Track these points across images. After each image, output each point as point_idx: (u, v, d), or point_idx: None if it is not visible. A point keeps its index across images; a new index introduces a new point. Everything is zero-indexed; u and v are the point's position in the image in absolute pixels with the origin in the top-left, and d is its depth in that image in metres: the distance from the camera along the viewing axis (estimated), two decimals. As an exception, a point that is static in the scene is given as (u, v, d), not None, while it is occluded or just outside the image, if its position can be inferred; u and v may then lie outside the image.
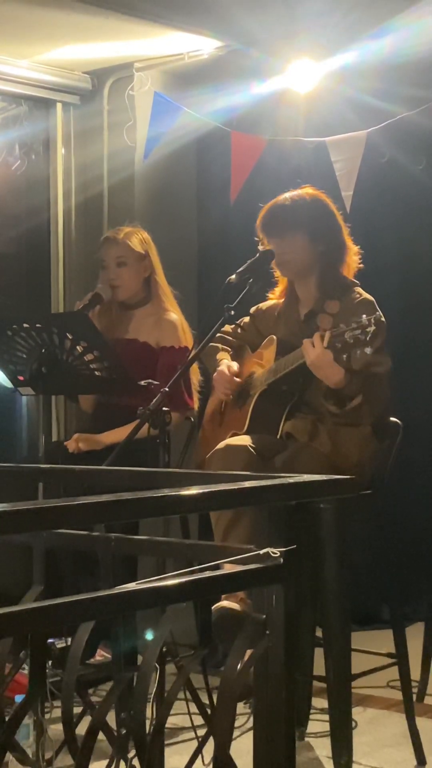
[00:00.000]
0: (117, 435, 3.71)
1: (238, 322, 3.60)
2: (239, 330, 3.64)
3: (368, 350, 3.00)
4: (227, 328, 3.61)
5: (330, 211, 3.43)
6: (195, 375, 3.95)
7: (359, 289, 3.37)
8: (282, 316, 3.49)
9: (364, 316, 3.01)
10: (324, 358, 3.08)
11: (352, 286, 3.38)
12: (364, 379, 3.15)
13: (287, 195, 3.43)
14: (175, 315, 3.99)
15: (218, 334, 3.51)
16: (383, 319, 3.10)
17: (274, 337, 3.44)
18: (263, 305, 3.59)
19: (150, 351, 3.93)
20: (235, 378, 3.47)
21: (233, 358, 3.59)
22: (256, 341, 3.55)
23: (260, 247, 3.43)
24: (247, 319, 3.61)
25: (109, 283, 4.00)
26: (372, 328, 2.98)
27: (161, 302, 4.02)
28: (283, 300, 3.52)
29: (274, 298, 3.57)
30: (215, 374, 3.52)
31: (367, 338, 2.98)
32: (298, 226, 3.35)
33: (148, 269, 4.02)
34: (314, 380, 3.21)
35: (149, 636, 1.80)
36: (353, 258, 3.44)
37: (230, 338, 3.65)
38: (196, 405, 3.97)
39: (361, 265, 3.46)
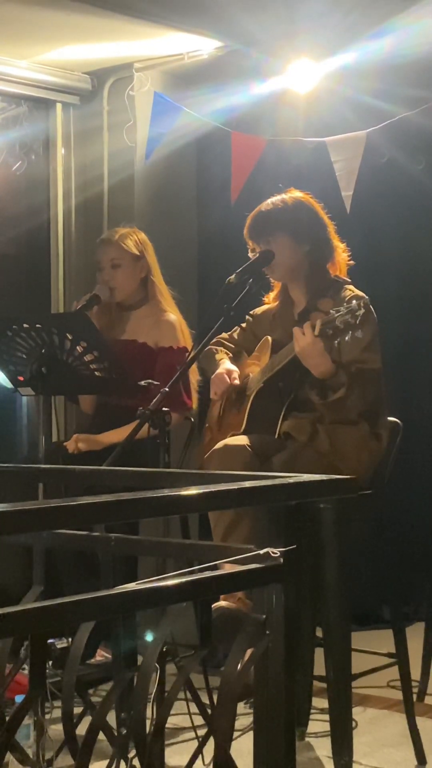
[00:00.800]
0: (117, 435, 3.71)
1: (234, 329, 3.62)
2: (236, 335, 3.65)
3: (359, 334, 3.04)
4: (224, 334, 3.63)
5: (312, 210, 3.45)
6: (194, 375, 3.95)
7: (351, 287, 3.38)
8: (277, 318, 3.51)
9: (354, 301, 3.05)
10: (314, 347, 3.10)
11: (344, 284, 3.40)
12: (351, 374, 3.17)
13: (269, 200, 3.48)
14: (173, 315, 3.99)
15: (215, 340, 3.52)
16: (369, 303, 3.14)
17: (269, 338, 3.45)
18: (258, 310, 3.61)
19: (148, 351, 3.94)
20: (234, 377, 3.47)
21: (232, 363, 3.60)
22: (253, 346, 3.57)
23: (251, 254, 3.44)
24: (243, 325, 3.63)
25: (101, 283, 4.01)
26: (361, 311, 3.02)
27: (159, 303, 4.02)
28: (277, 303, 3.54)
29: (269, 303, 3.59)
30: (214, 375, 3.53)
31: (357, 321, 3.01)
32: (280, 228, 3.38)
33: (145, 270, 4.03)
34: (309, 375, 3.22)
35: (149, 637, 1.80)
36: (342, 255, 3.46)
37: (228, 343, 3.66)
38: (194, 405, 3.98)
39: (351, 262, 3.47)
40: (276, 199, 3.46)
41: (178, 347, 3.92)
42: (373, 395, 3.24)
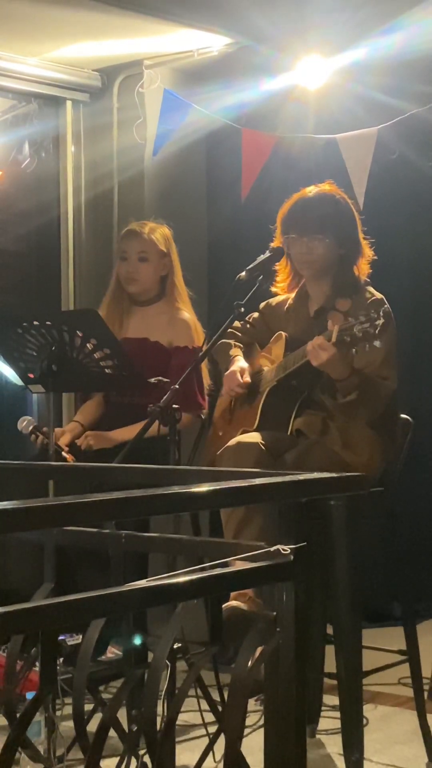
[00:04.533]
0: (128, 432, 3.70)
1: (247, 318, 3.59)
2: (248, 326, 3.64)
3: (377, 344, 3.00)
4: (237, 324, 3.60)
5: (352, 213, 3.42)
6: (205, 379, 3.94)
7: (371, 289, 3.37)
8: (292, 312, 3.49)
9: (372, 310, 3.01)
10: (331, 357, 3.07)
11: (364, 286, 3.38)
12: (365, 380, 3.15)
13: (311, 192, 3.41)
14: (188, 314, 3.97)
15: (228, 331, 3.51)
16: (390, 311, 3.11)
17: (283, 333, 3.44)
18: (272, 301, 3.58)
19: (161, 350, 3.92)
20: (245, 379, 3.46)
21: (244, 355, 3.59)
22: (265, 337, 3.55)
23: (273, 239, 3.42)
24: (256, 315, 3.61)
25: (126, 276, 3.99)
26: (381, 321, 2.98)
27: (175, 301, 3.99)
28: (292, 296, 3.51)
29: (281, 293, 3.56)
30: (227, 373, 3.51)
31: (376, 331, 2.98)
32: (325, 229, 3.33)
33: (167, 268, 4.00)
34: (322, 376, 3.21)
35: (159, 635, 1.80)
36: (366, 260, 3.44)
37: (240, 335, 3.65)
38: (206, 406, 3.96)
39: (369, 270, 3.46)
40: (319, 192, 3.40)
41: (193, 347, 3.89)
42: (383, 409, 3.23)
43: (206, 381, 3.94)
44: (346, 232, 3.37)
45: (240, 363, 3.52)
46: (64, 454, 3.66)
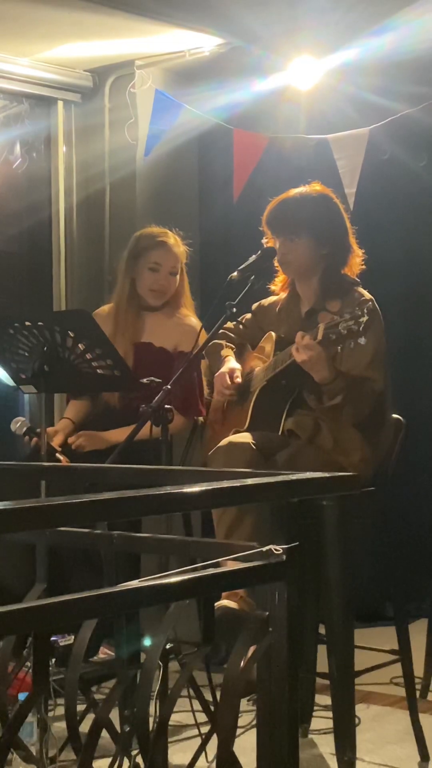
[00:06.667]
0: (121, 434, 3.69)
1: (240, 318, 3.60)
2: (241, 327, 3.64)
3: (362, 341, 3.01)
4: (229, 324, 3.60)
5: (338, 212, 3.41)
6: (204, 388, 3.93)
7: (361, 289, 3.36)
8: (283, 313, 3.49)
9: (357, 307, 3.02)
10: (315, 356, 3.08)
11: (354, 286, 3.38)
12: (350, 383, 3.15)
13: (295, 192, 3.41)
14: (194, 319, 3.97)
15: (221, 331, 3.51)
16: (377, 307, 3.11)
17: (273, 333, 3.44)
18: (264, 301, 3.59)
19: (166, 355, 3.90)
20: (236, 380, 3.46)
21: (236, 355, 3.59)
22: (257, 337, 3.56)
23: (264, 240, 3.43)
24: (248, 315, 3.61)
25: (156, 287, 3.93)
26: (365, 318, 2.99)
27: (182, 306, 3.98)
28: (284, 296, 3.52)
29: (276, 291, 3.56)
30: (217, 374, 3.52)
31: (360, 328, 2.99)
32: (304, 228, 3.34)
33: (182, 278, 4.01)
34: (309, 377, 3.21)
35: (151, 637, 1.80)
36: (356, 260, 3.43)
37: (232, 335, 3.65)
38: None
39: (363, 267, 3.46)
40: (302, 192, 3.41)
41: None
42: (370, 410, 3.22)
43: (205, 389, 3.94)
44: (329, 231, 3.37)
45: (230, 364, 3.52)
46: (58, 455, 3.65)
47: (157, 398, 3.10)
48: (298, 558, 1.75)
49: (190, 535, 3.92)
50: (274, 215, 3.40)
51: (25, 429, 3.73)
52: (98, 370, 3.36)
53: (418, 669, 3.41)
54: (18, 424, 3.76)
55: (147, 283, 3.94)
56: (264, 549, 1.75)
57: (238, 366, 3.51)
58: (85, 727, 1.82)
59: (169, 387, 3.11)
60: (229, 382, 3.44)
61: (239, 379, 3.46)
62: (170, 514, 3.05)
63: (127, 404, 3.86)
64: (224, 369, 3.49)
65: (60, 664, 3.18)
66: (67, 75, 4.93)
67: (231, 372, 3.47)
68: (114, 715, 1.87)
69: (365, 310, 3.00)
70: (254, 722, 1.85)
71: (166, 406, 3.10)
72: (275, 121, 4.73)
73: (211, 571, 1.71)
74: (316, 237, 3.34)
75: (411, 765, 3.06)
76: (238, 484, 1.74)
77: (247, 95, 4.65)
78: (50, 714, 2.10)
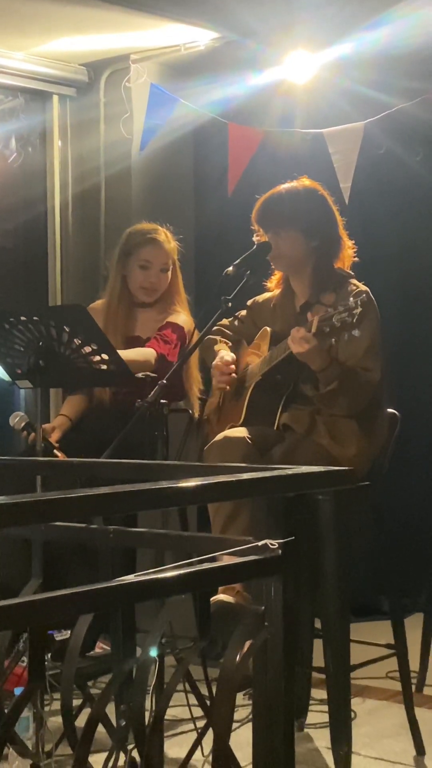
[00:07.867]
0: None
1: (236, 314, 3.60)
2: (236, 323, 3.64)
3: (356, 332, 3.01)
4: (225, 321, 3.61)
5: (326, 204, 3.42)
6: (197, 384, 3.93)
7: (355, 281, 3.36)
8: (278, 308, 3.49)
9: (351, 299, 3.02)
10: (311, 348, 3.08)
11: (348, 278, 3.38)
12: (346, 369, 3.16)
13: (283, 187, 3.42)
14: (184, 315, 3.97)
15: (215, 328, 3.51)
16: (372, 298, 3.11)
17: (268, 328, 3.44)
18: (259, 298, 3.59)
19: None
20: (231, 367, 3.46)
21: (231, 351, 3.59)
22: (253, 334, 3.55)
23: (256, 238, 3.43)
24: (244, 312, 3.61)
25: (147, 285, 3.93)
26: (359, 310, 2.99)
27: (173, 304, 3.98)
28: (278, 292, 3.52)
29: (271, 288, 3.57)
30: (214, 363, 3.52)
31: (354, 320, 2.99)
32: (292, 222, 3.34)
33: (174, 274, 4.00)
34: (306, 368, 3.21)
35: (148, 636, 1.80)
36: (348, 252, 3.44)
37: (228, 331, 3.65)
38: (196, 405, 3.95)
39: (356, 259, 3.46)
40: (289, 187, 3.41)
41: (180, 324, 3.89)
42: (365, 400, 3.22)
43: (198, 386, 3.93)
44: (317, 224, 3.37)
45: (223, 353, 3.52)
46: (56, 451, 3.65)
47: (152, 393, 3.09)
48: (294, 552, 1.75)
49: (186, 530, 3.93)
50: (262, 211, 3.41)
51: (23, 424, 3.74)
52: (93, 365, 3.36)
53: (414, 663, 3.41)
54: (17, 419, 3.76)
55: (138, 280, 3.94)
56: (260, 543, 1.75)
57: (233, 356, 3.51)
58: (81, 721, 1.82)
59: (164, 382, 3.11)
60: (225, 369, 3.44)
61: (234, 367, 3.46)
62: (166, 509, 3.06)
63: (120, 400, 3.86)
64: (217, 360, 3.48)
65: (56, 658, 3.18)
66: (62, 69, 4.92)
67: (226, 363, 3.47)
68: (110, 710, 1.88)
69: (359, 302, 3.00)
70: (250, 716, 1.85)
71: (162, 401, 3.09)
72: (270, 115, 4.73)
73: (207, 565, 1.71)
74: (304, 230, 3.35)
75: (406, 759, 3.07)
76: (234, 479, 1.74)
77: (242, 89, 4.64)
78: (46, 709, 2.10)
